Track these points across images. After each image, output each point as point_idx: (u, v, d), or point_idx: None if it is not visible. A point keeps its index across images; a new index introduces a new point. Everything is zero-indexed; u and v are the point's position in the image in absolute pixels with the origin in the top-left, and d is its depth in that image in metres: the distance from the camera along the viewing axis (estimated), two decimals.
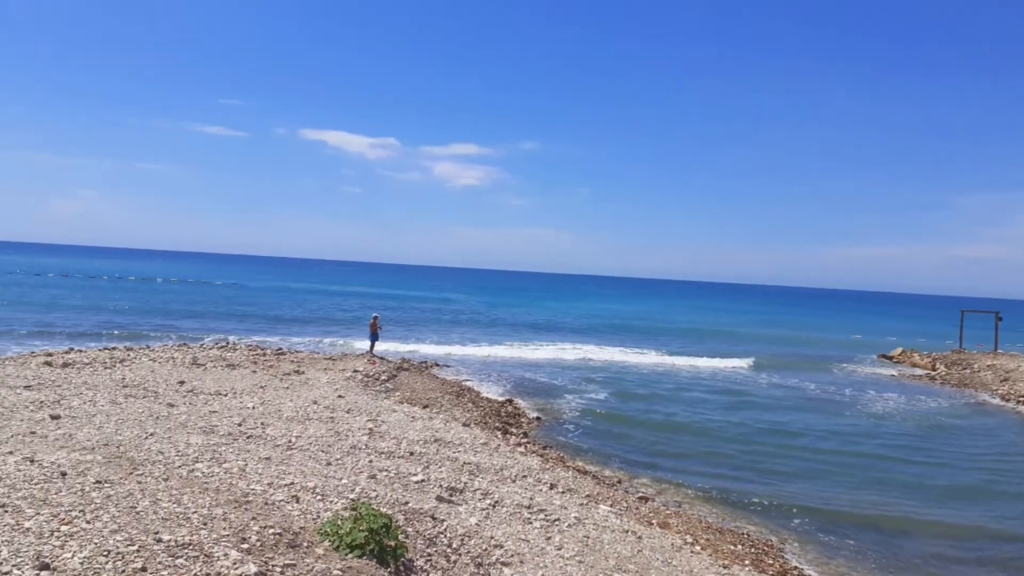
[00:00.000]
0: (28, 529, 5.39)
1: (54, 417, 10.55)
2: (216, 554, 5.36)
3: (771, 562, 11.28)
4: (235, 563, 5.24)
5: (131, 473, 7.36)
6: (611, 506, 11.79)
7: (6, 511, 5.74)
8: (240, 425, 11.27)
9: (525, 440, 17.17)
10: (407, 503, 8.35)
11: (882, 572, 11.67)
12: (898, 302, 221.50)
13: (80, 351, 23.09)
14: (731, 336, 57.32)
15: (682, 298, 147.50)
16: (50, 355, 20.97)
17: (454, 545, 7.61)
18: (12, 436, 8.90)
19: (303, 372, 20.95)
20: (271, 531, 6.07)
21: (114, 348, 24.88)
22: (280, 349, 28.87)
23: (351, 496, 7.97)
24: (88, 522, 5.65)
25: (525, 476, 11.73)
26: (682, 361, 38.43)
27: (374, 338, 27.81)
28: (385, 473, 9.58)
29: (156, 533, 5.56)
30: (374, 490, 8.50)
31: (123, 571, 4.88)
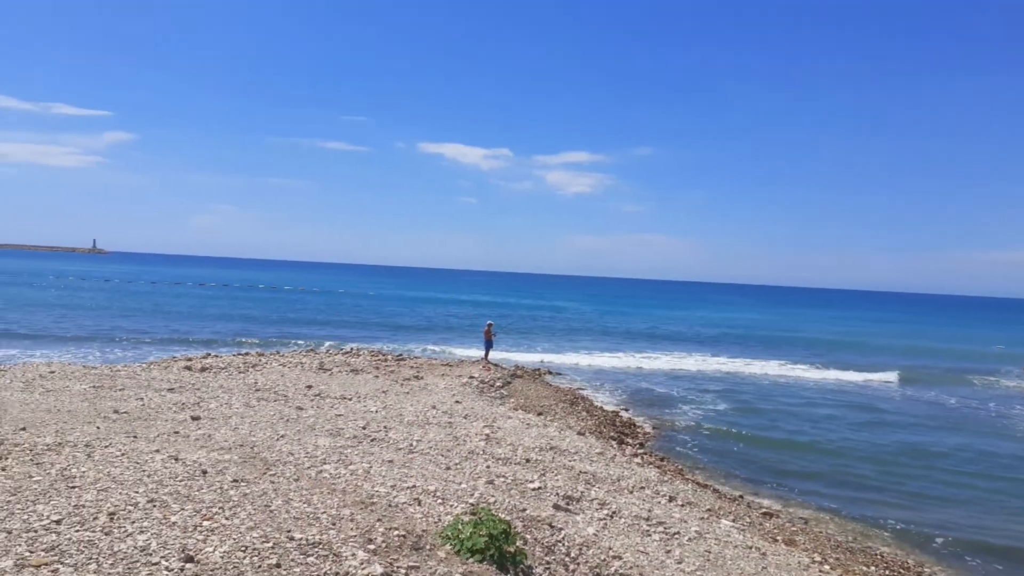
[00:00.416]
0: (174, 523, 5.75)
1: (194, 418, 11.26)
2: (344, 554, 5.54)
3: None
4: (362, 563, 5.40)
5: (265, 473, 7.74)
6: (733, 521, 11.41)
7: (155, 505, 6.15)
8: (364, 428, 11.66)
9: (642, 451, 16.90)
10: (524, 510, 8.37)
11: None
12: None
13: (216, 356, 24.58)
14: (860, 347, 54.05)
15: (809, 307, 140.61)
16: (190, 360, 22.45)
17: (572, 554, 7.56)
18: (158, 435, 9.56)
19: (422, 377, 21.46)
20: (395, 533, 6.22)
21: (247, 353, 26.34)
22: (400, 355, 29.71)
23: (470, 501, 8.07)
24: (227, 519, 5.98)
25: (643, 487, 11.52)
26: (808, 373, 36.62)
27: (488, 345, 28.15)
28: (502, 479, 9.64)
29: (289, 531, 5.81)
30: (492, 496, 8.57)
31: (259, 567, 5.12)
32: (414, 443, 10.97)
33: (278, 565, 5.16)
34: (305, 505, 6.62)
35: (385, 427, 12.02)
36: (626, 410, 22.99)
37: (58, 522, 5.54)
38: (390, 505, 7.19)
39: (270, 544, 5.49)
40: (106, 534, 5.38)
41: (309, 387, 16.66)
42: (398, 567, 5.56)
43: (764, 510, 13.66)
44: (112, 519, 5.70)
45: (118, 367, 19.80)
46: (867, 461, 18.64)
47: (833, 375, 36.42)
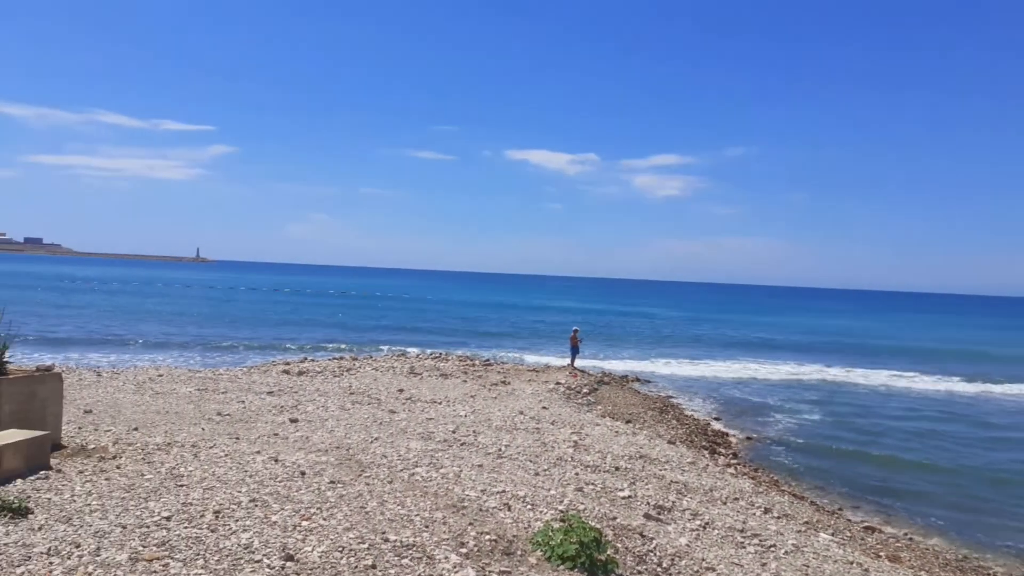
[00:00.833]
0: (275, 523, 5.95)
1: (293, 421, 11.65)
2: (437, 556, 5.60)
3: None
4: (455, 566, 5.45)
5: (360, 475, 7.92)
6: (832, 535, 10.95)
7: (256, 505, 6.39)
8: (454, 432, 11.80)
9: (735, 461, 16.45)
10: (615, 518, 8.27)
11: None
12: None
13: (312, 361, 25.40)
14: (973, 356, 50.19)
15: (916, 312, 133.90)
16: (287, 364, 23.27)
17: (664, 564, 7.41)
18: (259, 437, 9.93)
19: (509, 383, 21.56)
20: (487, 537, 6.25)
21: (341, 358, 27.11)
22: (487, 360, 29.95)
23: (560, 507, 8.03)
24: (325, 519, 6.14)
25: (736, 498, 11.21)
26: (913, 383, 34.56)
27: (575, 351, 28.03)
28: (592, 487, 9.57)
29: (383, 533, 5.92)
30: (582, 503, 8.51)
31: (356, 567, 5.23)
32: (503, 448, 11.02)
33: (373, 566, 5.26)
34: (399, 507, 6.74)
35: (474, 431, 12.12)
36: (718, 419, 22.46)
37: (168, 519, 5.82)
38: (481, 509, 7.24)
39: (366, 545, 5.61)
40: (212, 531, 5.62)
41: (400, 391, 16.99)
42: (490, 571, 5.57)
43: (865, 524, 13.06)
44: (217, 517, 5.95)
45: (220, 371, 20.72)
46: (981, 480, 17.27)
47: (942, 386, 34.34)
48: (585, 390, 22.70)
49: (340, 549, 5.50)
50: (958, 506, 15.19)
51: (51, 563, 4.84)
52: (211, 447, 8.78)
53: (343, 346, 35.92)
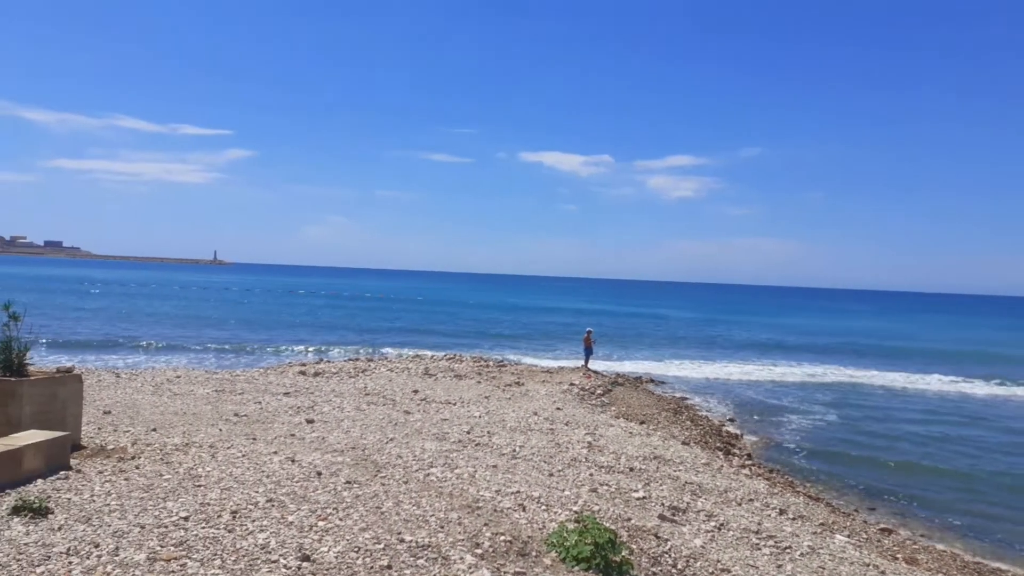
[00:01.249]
0: (291, 523, 6.00)
1: (309, 421, 11.72)
2: (453, 557, 5.63)
3: None
4: (470, 567, 5.47)
5: (375, 475, 7.96)
6: (848, 536, 10.89)
7: (273, 505, 6.44)
8: (468, 433, 11.83)
9: (749, 462, 16.39)
10: (629, 519, 8.26)
11: None
12: None
13: (328, 362, 25.53)
14: (992, 358, 48.90)
15: (933, 313, 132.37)
16: (303, 365, 23.38)
17: (679, 566, 7.40)
18: (276, 437, 10.00)
19: (523, 384, 21.57)
20: (502, 538, 6.27)
21: (356, 359, 27.22)
22: (502, 361, 29.98)
23: (574, 508, 8.04)
24: (340, 519, 6.18)
25: (751, 499, 11.17)
26: (931, 385, 34.12)
27: (588, 352, 28.00)
28: (606, 488, 9.56)
29: (399, 533, 5.95)
30: (596, 504, 8.50)
31: (372, 567, 5.27)
32: (517, 449, 11.03)
33: (389, 567, 5.29)
34: (414, 508, 6.77)
35: (488, 432, 12.15)
36: (732, 420, 22.38)
37: (186, 519, 5.88)
38: (495, 510, 7.26)
39: (381, 546, 5.64)
40: (229, 531, 5.67)
41: (415, 392, 17.05)
42: (505, 572, 5.59)
43: (882, 526, 12.98)
44: (234, 517, 6.00)
45: (237, 372, 20.86)
46: (999, 484, 17.00)
47: (959, 388, 33.99)
48: (599, 391, 22.67)
49: (356, 549, 5.53)
50: (976, 510, 15.04)
51: (70, 563, 4.90)
52: (228, 448, 8.85)
53: (358, 349, 36.06)
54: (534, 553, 6.18)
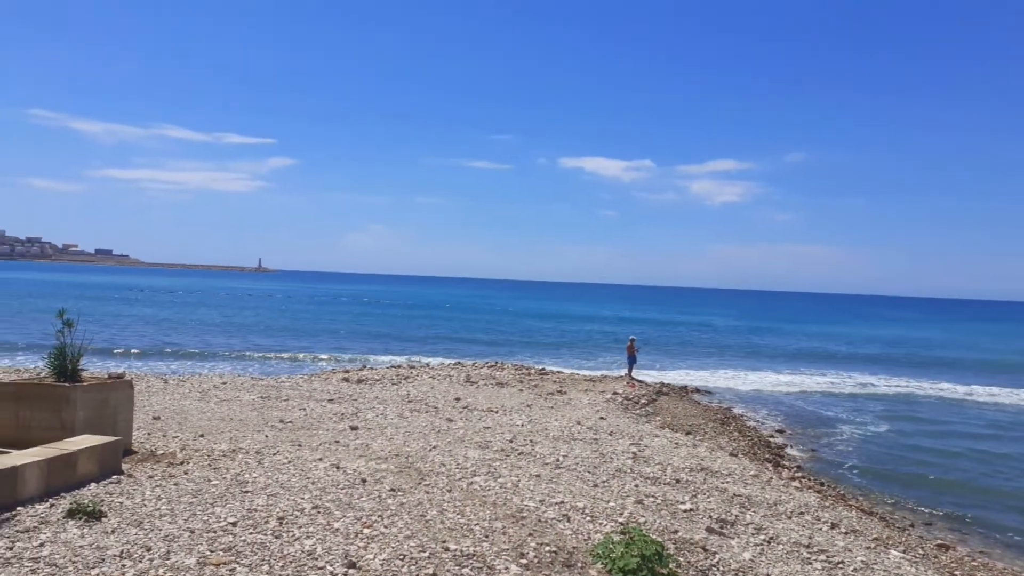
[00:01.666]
0: (337, 529, 6.01)
1: (353, 428, 11.78)
2: (498, 567, 5.57)
3: None
4: None
5: (419, 483, 7.95)
6: (904, 552, 10.54)
7: (319, 512, 6.46)
8: (511, 441, 11.76)
9: (800, 474, 16.01)
10: (676, 531, 8.11)
11: None
12: None
13: (371, 369, 25.72)
14: None
15: (990, 321, 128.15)
16: (347, 372, 23.60)
17: None
18: (320, 444, 10.07)
19: (565, 392, 21.44)
20: (547, 548, 6.20)
21: (399, 366, 27.38)
22: (543, 369, 29.86)
23: (619, 520, 7.92)
24: (385, 527, 6.17)
25: (802, 513, 10.89)
26: (989, 397, 32.83)
27: (632, 361, 27.74)
28: (652, 499, 9.41)
29: (444, 542, 5.92)
30: (642, 515, 8.37)
31: (417, 575, 5.24)
32: (560, 458, 10.93)
33: (434, 575, 5.26)
34: (459, 516, 6.73)
35: (531, 441, 12.07)
36: (781, 432, 21.93)
37: (234, 524, 5.93)
38: (540, 520, 7.18)
39: (426, 554, 5.61)
40: (276, 537, 5.70)
41: (457, 399, 17.05)
42: None
43: (939, 542, 12.55)
44: (281, 523, 6.03)
45: (282, 379, 21.13)
46: None
47: (1021, 400, 32.84)
48: (643, 400, 22.43)
49: (401, 557, 5.51)
50: None
51: (123, 565, 4.97)
52: (274, 454, 8.93)
53: (400, 357, 36.29)
54: (579, 564, 6.09)
